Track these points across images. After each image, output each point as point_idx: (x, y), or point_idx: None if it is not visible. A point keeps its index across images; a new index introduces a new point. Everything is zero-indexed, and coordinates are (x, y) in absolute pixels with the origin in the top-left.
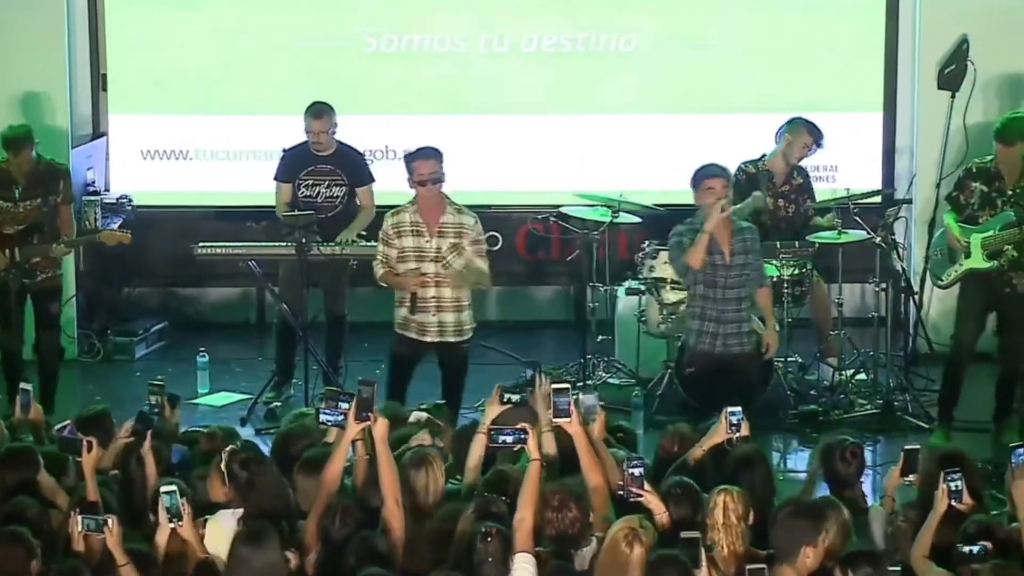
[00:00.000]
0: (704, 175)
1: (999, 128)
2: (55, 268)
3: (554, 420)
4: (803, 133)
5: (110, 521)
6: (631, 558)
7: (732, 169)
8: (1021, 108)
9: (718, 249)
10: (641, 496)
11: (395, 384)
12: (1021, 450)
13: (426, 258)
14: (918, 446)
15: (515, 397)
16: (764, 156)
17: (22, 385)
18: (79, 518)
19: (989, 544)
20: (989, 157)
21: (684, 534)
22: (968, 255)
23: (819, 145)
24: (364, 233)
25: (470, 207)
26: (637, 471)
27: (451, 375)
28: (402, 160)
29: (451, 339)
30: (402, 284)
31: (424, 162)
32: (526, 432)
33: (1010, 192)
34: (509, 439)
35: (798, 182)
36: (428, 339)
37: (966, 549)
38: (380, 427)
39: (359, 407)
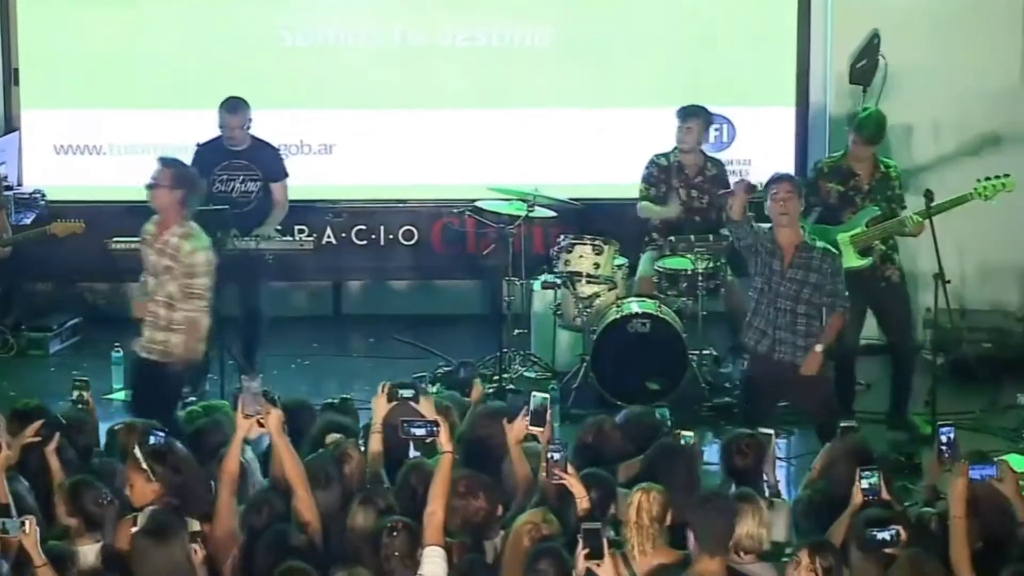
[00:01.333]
0: (771, 181)
1: (867, 120)
2: None
3: (530, 428)
4: (692, 117)
5: (27, 523)
6: (524, 545)
7: (644, 163)
8: (872, 104)
9: (779, 255)
10: (564, 479)
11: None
12: (947, 429)
13: (148, 271)
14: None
15: (406, 393)
16: (676, 149)
17: None
18: None
19: (900, 529)
20: (839, 153)
21: (585, 525)
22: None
23: (711, 123)
24: (280, 228)
25: (389, 201)
26: (558, 455)
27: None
28: (313, 154)
29: (143, 355)
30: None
31: (156, 168)
32: (438, 424)
33: (867, 187)
34: (421, 431)
35: (712, 173)
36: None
37: (880, 535)
38: (274, 418)
39: (245, 403)
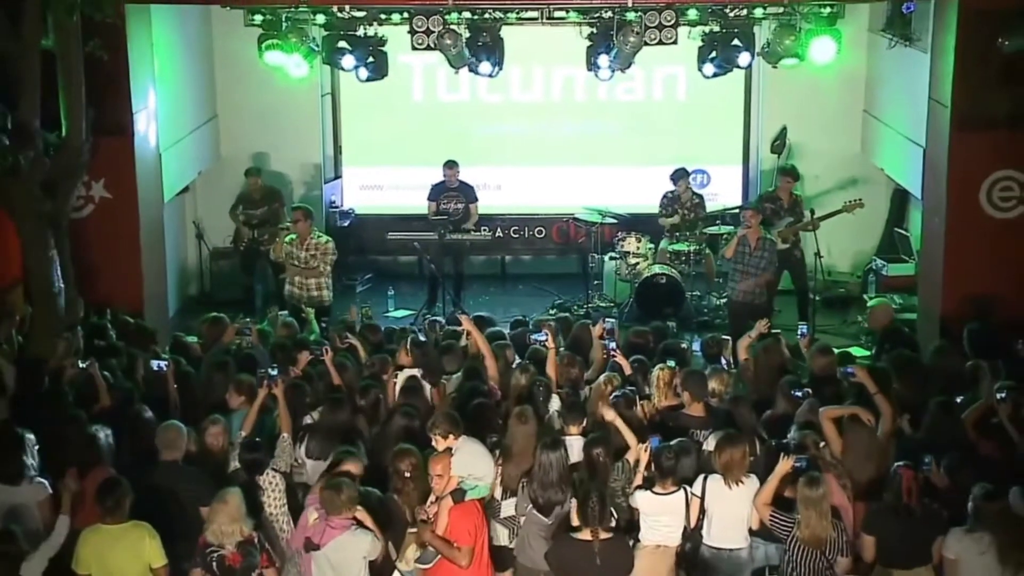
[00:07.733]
0: (745, 208)
1: (789, 169)
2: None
3: (605, 336)
4: (683, 176)
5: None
6: (604, 392)
7: (658, 197)
8: (786, 162)
9: (749, 245)
10: (615, 355)
11: None
12: (803, 327)
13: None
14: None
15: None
16: (675, 190)
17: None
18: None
19: (809, 391)
20: (771, 189)
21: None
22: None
23: (675, 181)
24: (474, 227)
25: (530, 214)
26: (609, 324)
27: None
28: (491, 190)
29: None
30: None
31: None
32: (547, 333)
33: (786, 206)
34: (541, 337)
35: (695, 201)
36: None
37: (797, 392)
38: (467, 322)
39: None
